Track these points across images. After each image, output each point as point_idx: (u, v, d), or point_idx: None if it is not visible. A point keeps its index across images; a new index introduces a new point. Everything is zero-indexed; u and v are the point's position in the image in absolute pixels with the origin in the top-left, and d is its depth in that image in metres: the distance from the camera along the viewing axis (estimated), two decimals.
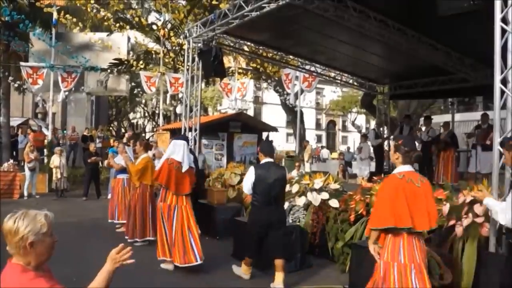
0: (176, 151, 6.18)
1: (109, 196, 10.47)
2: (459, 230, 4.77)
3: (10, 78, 17.17)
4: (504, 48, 4.64)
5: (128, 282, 5.70)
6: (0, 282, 2.05)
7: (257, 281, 5.85)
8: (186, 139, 6.73)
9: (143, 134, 37.77)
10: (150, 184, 7.65)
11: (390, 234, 3.61)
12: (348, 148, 30.31)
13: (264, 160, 5.75)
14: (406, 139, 3.99)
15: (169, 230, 6.12)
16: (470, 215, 4.78)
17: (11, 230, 2.03)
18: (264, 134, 17.71)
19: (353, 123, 47.02)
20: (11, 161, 14.06)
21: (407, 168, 3.73)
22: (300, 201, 7.24)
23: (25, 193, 12.84)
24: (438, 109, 30.03)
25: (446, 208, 5.10)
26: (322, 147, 48.34)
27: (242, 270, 5.89)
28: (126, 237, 7.71)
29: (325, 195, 6.94)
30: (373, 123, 30.98)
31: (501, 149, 4.56)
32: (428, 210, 3.61)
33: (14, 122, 21.88)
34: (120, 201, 8.76)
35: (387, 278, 3.59)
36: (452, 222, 4.93)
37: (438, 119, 22.60)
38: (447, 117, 23.01)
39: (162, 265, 6.32)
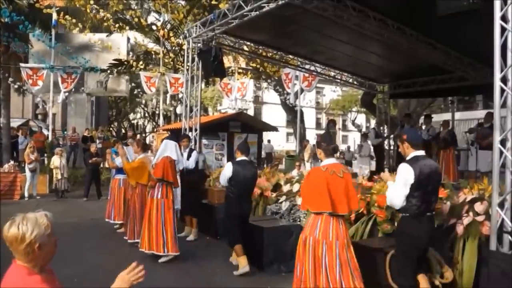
0: (169, 150, 6.69)
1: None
2: (459, 229, 4.78)
3: (10, 79, 17.17)
4: (503, 47, 4.64)
5: None
6: (3, 282, 2.05)
7: (256, 279, 5.86)
8: (177, 140, 7.25)
9: (143, 135, 37.79)
10: (146, 184, 7.66)
11: (313, 214, 4.29)
12: (348, 147, 30.30)
13: (240, 157, 6.37)
14: (323, 137, 4.88)
15: (166, 224, 6.56)
16: (471, 213, 4.79)
17: (17, 238, 1.97)
18: (265, 134, 17.72)
19: (353, 123, 47.02)
20: (12, 162, 14.06)
21: (331, 161, 4.37)
22: (301, 200, 7.23)
23: (26, 194, 12.84)
24: (438, 107, 30.00)
25: (446, 206, 5.11)
26: None
27: (240, 262, 6.00)
28: (125, 238, 7.72)
29: None
30: (373, 122, 30.96)
31: (502, 148, 4.57)
32: (348, 196, 4.28)
33: (14, 123, 21.85)
34: (116, 201, 8.76)
35: (305, 249, 4.25)
36: (452, 221, 4.94)
37: (438, 118, 22.59)
38: (447, 116, 22.99)
39: (161, 260, 6.53)
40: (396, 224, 5.37)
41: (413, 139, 4.36)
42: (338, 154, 4.56)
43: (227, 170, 6.21)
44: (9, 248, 2.05)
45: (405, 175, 4.07)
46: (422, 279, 4.24)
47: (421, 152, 4.27)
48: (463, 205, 4.97)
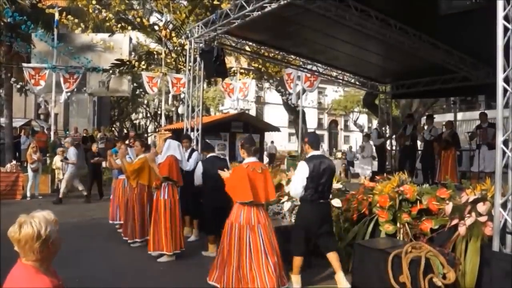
0: (172, 149, 6.76)
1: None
2: (462, 230, 4.76)
3: (13, 79, 17.21)
4: (506, 47, 4.62)
5: (130, 282, 5.72)
6: (8, 282, 2.06)
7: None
8: (178, 140, 7.23)
9: (145, 135, 37.82)
10: (148, 184, 7.66)
11: (237, 204, 5.10)
12: (350, 147, 30.27)
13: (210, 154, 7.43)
14: (246, 139, 5.64)
15: (176, 223, 6.65)
16: (473, 214, 4.77)
17: (33, 236, 2.00)
18: (268, 135, 17.72)
19: (355, 123, 46.99)
20: (14, 162, 14.08)
21: (252, 159, 5.28)
22: None
23: (28, 194, 12.83)
24: (440, 108, 29.96)
25: (449, 207, 5.09)
26: (321, 146, 48.24)
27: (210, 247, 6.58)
28: (125, 238, 7.72)
29: None
30: (375, 123, 30.94)
31: (505, 148, 4.55)
32: (266, 189, 5.21)
33: (17, 123, 21.90)
34: (120, 202, 8.73)
35: (231, 234, 5.00)
36: (455, 222, 4.92)
37: (441, 118, 22.56)
38: (449, 116, 22.98)
39: (162, 259, 6.57)
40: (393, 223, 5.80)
41: (313, 142, 5.41)
42: (258, 154, 5.90)
43: (198, 169, 7.26)
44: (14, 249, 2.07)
45: (302, 170, 5.14)
46: (299, 261, 5.33)
47: (318, 152, 5.40)
48: (465, 205, 4.95)
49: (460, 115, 26.44)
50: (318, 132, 54.68)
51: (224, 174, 5.58)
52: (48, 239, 2.04)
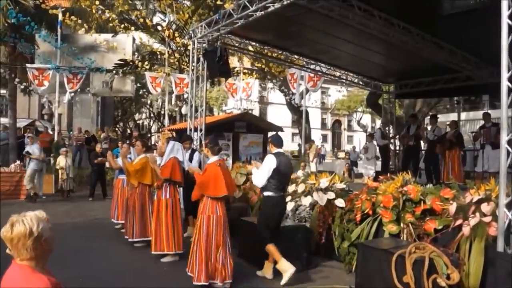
0: (175, 151, 6.77)
1: None
2: (466, 230, 4.74)
3: (17, 79, 17.27)
4: (511, 46, 4.60)
5: (133, 282, 5.73)
6: (3, 283, 2.05)
7: (262, 280, 5.85)
8: (180, 141, 7.37)
9: (149, 135, 37.88)
10: (149, 184, 7.68)
11: (210, 198, 5.48)
12: (354, 147, 30.21)
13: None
14: (211, 139, 6.31)
15: (178, 223, 6.70)
16: (478, 214, 4.75)
17: (25, 233, 2.02)
18: (270, 134, 17.68)
19: (358, 123, 46.92)
20: (18, 162, 14.12)
21: (216, 157, 5.73)
22: (306, 200, 7.21)
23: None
24: (444, 107, 29.89)
25: (452, 207, 5.07)
26: (322, 145, 48.15)
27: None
28: (126, 237, 7.74)
29: (331, 195, 6.91)
30: (378, 122, 30.89)
31: (509, 148, 4.53)
32: (232, 183, 5.89)
33: (21, 123, 21.97)
34: (119, 201, 8.76)
35: (209, 225, 5.42)
36: (459, 222, 4.90)
37: (444, 118, 22.51)
38: (453, 116, 22.91)
39: (165, 259, 6.62)
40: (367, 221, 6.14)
41: (276, 142, 6.02)
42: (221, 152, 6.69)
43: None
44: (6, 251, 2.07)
45: (270, 163, 5.66)
46: (273, 247, 5.68)
47: (281, 150, 5.96)
48: (469, 205, 4.93)
49: (463, 115, 26.32)
50: (321, 132, 54.90)
51: (195, 169, 6.03)
52: (41, 236, 2.05)
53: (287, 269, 5.55)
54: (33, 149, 12.75)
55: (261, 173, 5.72)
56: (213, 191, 5.51)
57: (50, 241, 2.12)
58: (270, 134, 17.80)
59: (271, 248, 5.71)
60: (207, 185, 5.52)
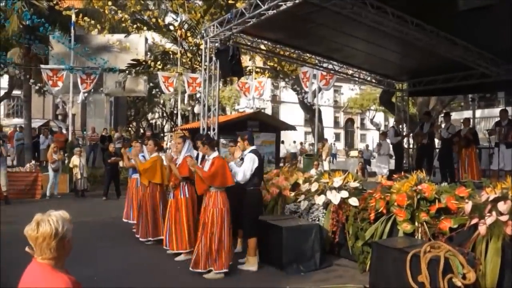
0: (191, 149, 6.89)
1: None
2: (482, 229, 4.68)
3: (31, 80, 17.44)
4: None
5: (146, 280, 5.76)
6: (23, 281, 2.08)
7: (276, 279, 5.84)
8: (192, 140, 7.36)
9: (162, 134, 38.04)
10: (160, 183, 7.72)
11: (218, 191, 5.78)
12: (367, 146, 30.08)
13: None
14: (206, 136, 6.57)
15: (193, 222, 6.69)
16: (494, 213, 4.69)
17: (51, 234, 2.04)
18: (283, 133, 17.66)
19: (371, 121, 46.65)
20: (33, 162, 14.28)
21: (216, 153, 6.08)
22: (320, 199, 7.19)
23: (48, 193, 12.99)
24: (458, 105, 29.60)
25: (468, 206, 5.01)
26: (334, 144, 47.97)
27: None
28: (137, 236, 7.79)
29: (344, 194, 6.88)
30: (391, 121, 30.68)
31: None
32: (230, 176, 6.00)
33: (35, 123, 22.24)
34: (134, 201, 8.78)
35: (222, 216, 5.71)
36: (474, 221, 4.84)
37: (459, 115, 22.29)
38: (467, 114, 22.68)
39: (179, 258, 6.63)
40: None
41: (250, 139, 6.49)
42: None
43: None
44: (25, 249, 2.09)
45: (254, 160, 6.16)
46: (255, 242, 6.14)
47: (254, 147, 6.47)
48: (486, 204, 4.87)
49: (478, 112, 26.04)
50: (334, 130, 54.69)
51: (192, 162, 6.11)
52: (65, 237, 2.08)
53: (254, 265, 6.15)
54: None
55: (247, 169, 6.12)
56: (222, 181, 5.79)
57: (71, 243, 2.15)
58: (283, 133, 17.85)
59: (254, 241, 6.18)
60: (217, 176, 5.75)
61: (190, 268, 5.84)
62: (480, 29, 8.30)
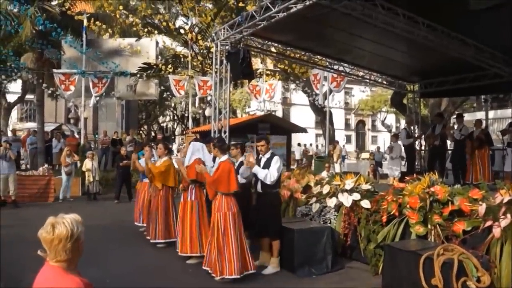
0: (197, 152, 6.76)
1: None
2: (496, 232, 4.63)
3: (44, 85, 17.63)
4: None
5: (158, 283, 5.78)
6: (37, 283, 2.10)
7: (287, 281, 5.83)
8: (203, 142, 7.24)
9: (173, 137, 38.18)
10: (172, 186, 7.76)
11: (223, 195, 5.77)
12: (378, 148, 29.92)
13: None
14: (218, 139, 6.58)
15: (204, 225, 6.68)
16: (508, 215, 4.63)
17: (66, 236, 2.06)
18: (294, 136, 17.62)
19: (383, 123, 46.41)
20: (46, 165, 14.41)
21: (226, 156, 6.07)
22: (331, 202, 7.16)
23: (61, 196, 13.13)
24: (470, 106, 29.33)
25: (482, 208, 4.96)
26: (344, 145, 47.77)
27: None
28: (148, 238, 7.82)
29: (356, 196, 6.84)
30: (403, 122, 30.50)
31: None
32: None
33: (48, 127, 22.44)
34: (145, 205, 8.80)
35: (226, 220, 5.70)
36: (489, 223, 4.78)
37: (471, 117, 22.04)
38: (480, 115, 22.43)
39: (191, 261, 6.66)
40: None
41: (269, 143, 6.55)
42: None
43: None
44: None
45: (281, 162, 6.28)
46: (279, 243, 6.22)
47: (271, 151, 6.50)
48: (500, 206, 4.81)
49: (491, 113, 25.74)
50: (345, 132, 54.49)
51: (202, 168, 6.15)
52: (79, 238, 2.11)
53: (278, 266, 6.19)
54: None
55: (276, 171, 6.12)
56: (226, 187, 5.77)
57: (83, 245, 2.18)
58: (294, 135, 17.82)
59: (279, 243, 6.22)
60: (221, 182, 5.77)
61: (203, 267, 5.91)
62: (492, 29, 8.23)
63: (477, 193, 5.46)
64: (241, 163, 6.63)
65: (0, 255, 6.16)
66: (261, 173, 6.15)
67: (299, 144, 30.46)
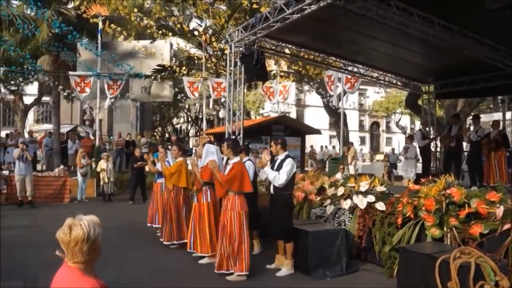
0: (211, 154, 6.67)
1: None
2: None
3: (60, 87, 17.83)
4: None
5: (172, 283, 5.80)
6: (55, 283, 2.12)
7: (302, 284, 5.80)
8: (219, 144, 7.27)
9: (187, 139, 38.35)
10: (184, 187, 7.81)
11: (236, 195, 5.89)
12: (393, 149, 29.70)
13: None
14: (232, 141, 6.68)
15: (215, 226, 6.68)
16: None
17: (83, 238, 2.07)
18: (308, 137, 17.58)
19: (397, 124, 46.08)
20: (62, 166, 14.56)
21: (238, 158, 6.23)
22: (346, 204, 7.12)
23: (78, 197, 13.28)
24: (487, 107, 28.92)
25: (500, 211, 4.89)
26: (361, 148, 47.56)
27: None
28: (161, 240, 7.86)
29: (371, 198, 6.80)
30: (418, 124, 30.23)
31: None
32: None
33: (64, 129, 22.68)
34: (159, 206, 8.83)
35: (240, 219, 5.82)
36: (507, 226, 4.72)
37: (488, 118, 21.74)
38: (497, 116, 22.11)
39: (203, 261, 6.71)
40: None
41: (283, 145, 6.42)
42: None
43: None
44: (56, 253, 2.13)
45: (293, 165, 6.19)
46: (291, 246, 6.17)
47: (287, 153, 6.42)
48: None
49: (509, 114, 25.35)
50: (359, 134, 54.19)
51: (213, 165, 6.13)
52: (96, 240, 2.11)
53: (292, 269, 6.18)
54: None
55: (286, 174, 6.06)
56: (239, 187, 5.88)
57: (101, 246, 2.18)
58: (308, 137, 17.78)
59: (292, 245, 6.19)
60: (234, 181, 5.86)
61: (215, 270, 5.91)
62: (508, 28, 8.09)
63: (495, 196, 5.39)
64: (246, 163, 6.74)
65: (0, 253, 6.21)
66: (270, 174, 6.17)
67: (311, 146, 30.44)
